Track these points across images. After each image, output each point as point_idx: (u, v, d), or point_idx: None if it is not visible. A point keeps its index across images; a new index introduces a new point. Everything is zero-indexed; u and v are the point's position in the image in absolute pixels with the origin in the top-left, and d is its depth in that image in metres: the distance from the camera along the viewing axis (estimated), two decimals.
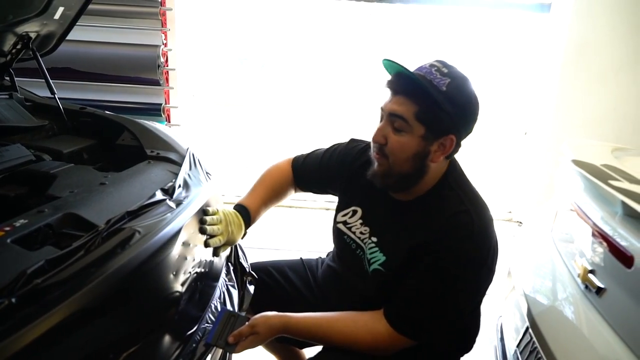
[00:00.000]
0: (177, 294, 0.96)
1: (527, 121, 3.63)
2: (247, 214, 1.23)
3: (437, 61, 1.03)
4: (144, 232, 0.91)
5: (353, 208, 1.24)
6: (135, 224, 0.93)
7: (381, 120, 1.06)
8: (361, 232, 1.20)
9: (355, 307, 1.14)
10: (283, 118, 3.72)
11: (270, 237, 2.94)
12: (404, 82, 1.00)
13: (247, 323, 1.10)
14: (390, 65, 1.02)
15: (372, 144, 1.08)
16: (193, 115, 3.61)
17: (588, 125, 3.28)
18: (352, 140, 1.32)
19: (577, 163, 1.32)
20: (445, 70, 1.00)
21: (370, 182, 1.12)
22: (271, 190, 1.33)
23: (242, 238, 1.21)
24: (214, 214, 1.15)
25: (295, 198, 3.44)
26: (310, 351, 1.43)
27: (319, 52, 3.53)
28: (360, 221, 1.21)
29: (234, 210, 1.21)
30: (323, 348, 1.17)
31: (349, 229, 1.23)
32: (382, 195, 1.16)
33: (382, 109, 1.05)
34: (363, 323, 1.08)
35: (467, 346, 1.26)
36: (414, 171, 1.04)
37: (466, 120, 1.03)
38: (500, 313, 1.62)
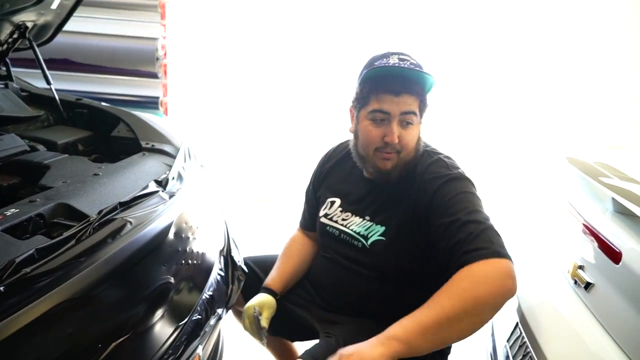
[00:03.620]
0: (168, 285, 0.97)
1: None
2: (274, 292, 1.32)
3: (400, 54, 1.12)
4: (135, 223, 0.92)
5: (330, 200, 1.32)
6: (127, 214, 0.94)
7: (380, 122, 1.10)
8: (342, 219, 1.26)
9: (352, 293, 1.20)
10: (280, 112, 3.72)
11: (264, 232, 2.95)
12: (404, 81, 1.08)
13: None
14: (387, 69, 1.08)
15: (373, 148, 1.13)
16: (191, 109, 3.60)
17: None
18: (321, 157, 1.44)
19: (571, 161, 1.32)
20: (415, 61, 1.11)
21: (343, 175, 1.29)
22: (293, 262, 1.39)
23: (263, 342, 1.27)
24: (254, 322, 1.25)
25: (288, 194, 3.45)
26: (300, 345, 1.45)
27: (317, 47, 3.51)
28: (340, 209, 1.28)
29: (266, 294, 1.30)
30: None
31: (330, 219, 1.29)
32: (358, 181, 1.26)
33: (384, 111, 1.09)
34: (461, 281, 0.91)
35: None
36: (416, 153, 1.16)
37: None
38: None
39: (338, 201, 1.30)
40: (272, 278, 1.35)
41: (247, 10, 3.48)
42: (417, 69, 1.09)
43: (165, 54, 3.23)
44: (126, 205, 0.97)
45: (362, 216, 1.22)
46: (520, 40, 3.43)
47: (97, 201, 1.02)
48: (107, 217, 0.90)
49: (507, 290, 0.88)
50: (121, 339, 0.79)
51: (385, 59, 1.11)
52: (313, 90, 3.58)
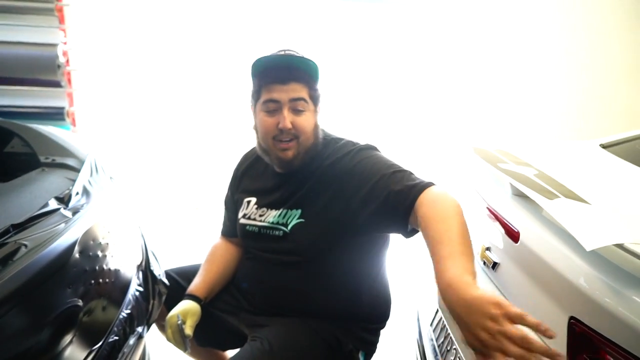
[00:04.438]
0: (75, 308, 0.90)
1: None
2: (197, 299, 1.29)
3: (288, 50, 1.19)
4: (31, 246, 0.84)
5: (246, 200, 1.33)
6: (22, 237, 0.86)
7: (273, 112, 1.16)
8: (260, 215, 1.28)
9: (273, 288, 1.23)
10: (196, 115, 3.61)
11: (189, 241, 2.85)
12: (290, 70, 1.15)
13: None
14: (272, 59, 1.17)
15: (270, 137, 1.18)
16: (102, 118, 3.38)
17: None
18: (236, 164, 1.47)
19: (476, 150, 1.41)
20: (303, 56, 1.19)
21: (256, 174, 1.34)
22: (216, 268, 1.36)
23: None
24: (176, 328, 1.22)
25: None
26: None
27: (230, 50, 3.46)
28: (255, 206, 1.30)
29: (189, 301, 1.27)
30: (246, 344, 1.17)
31: (248, 218, 1.30)
32: (270, 176, 1.30)
33: (274, 100, 1.15)
34: (432, 207, 0.98)
35: (381, 318, 1.32)
36: (315, 140, 1.21)
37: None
38: (418, 298, 1.70)
39: (254, 199, 1.31)
40: (196, 284, 1.31)
41: (153, 9, 3.34)
42: (300, 56, 1.17)
43: (67, 61, 3.01)
44: (20, 227, 0.89)
45: (278, 208, 1.24)
46: (445, 39, 3.61)
47: None
48: None
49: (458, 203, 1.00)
50: None
51: (274, 55, 1.19)
52: (230, 91, 3.51)
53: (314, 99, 1.20)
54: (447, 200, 0.98)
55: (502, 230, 1.10)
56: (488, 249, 1.19)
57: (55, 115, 3.01)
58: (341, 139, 1.26)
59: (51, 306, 0.85)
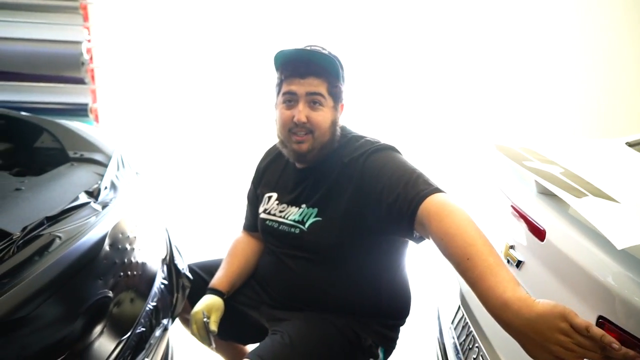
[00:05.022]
0: (106, 299, 0.92)
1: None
2: (220, 293, 1.30)
3: (312, 45, 1.19)
4: (65, 238, 0.86)
5: (268, 195, 1.35)
6: (56, 229, 0.88)
7: (291, 104, 1.17)
8: (280, 211, 1.29)
9: (292, 283, 1.23)
10: (219, 112, 3.64)
11: (210, 236, 2.88)
12: (310, 64, 1.15)
13: None
14: (291, 52, 1.16)
15: (287, 129, 1.18)
16: (124, 114, 3.44)
17: None
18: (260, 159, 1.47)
19: (499, 147, 1.40)
20: (326, 52, 1.18)
21: (278, 170, 1.33)
22: (238, 262, 1.37)
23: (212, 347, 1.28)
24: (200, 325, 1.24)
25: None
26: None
27: (253, 46, 3.48)
28: (277, 202, 1.31)
29: (212, 296, 1.29)
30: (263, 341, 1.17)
31: (269, 213, 1.31)
32: (292, 173, 1.30)
33: (292, 92, 1.16)
34: (449, 209, 0.97)
35: (402, 314, 1.32)
36: (332, 136, 1.21)
37: (345, 87, 1.25)
38: (439, 296, 1.69)
39: (275, 195, 1.32)
40: (218, 278, 1.33)
41: (176, 8, 3.37)
42: (321, 51, 1.16)
43: (91, 58, 3.06)
44: (54, 219, 0.92)
45: (299, 205, 1.25)
46: (461, 35, 3.57)
47: (21, 217, 0.95)
48: (33, 233, 0.85)
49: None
50: None
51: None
52: (251, 88, 3.53)
53: (334, 95, 1.19)
54: (455, 211, 0.95)
55: (527, 229, 1.09)
56: (512, 247, 1.18)
57: (79, 111, 3.06)
58: (361, 137, 1.24)
59: (84, 297, 0.87)
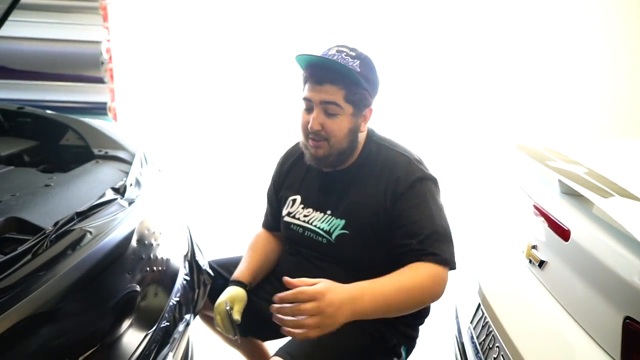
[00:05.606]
0: (134, 293, 0.94)
1: None
2: (243, 284, 1.30)
3: (339, 46, 1.15)
4: (95, 233, 0.88)
5: (292, 198, 1.33)
6: (86, 224, 0.90)
7: (309, 110, 1.16)
8: (304, 215, 1.28)
9: None
10: (234, 110, 3.66)
11: (228, 234, 2.91)
12: (327, 71, 1.12)
13: (304, 288, 0.95)
14: (307, 58, 1.14)
15: (305, 134, 1.18)
16: (141, 113, 3.49)
17: None
18: (280, 158, 1.45)
19: (519, 147, 1.39)
20: (353, 54, 1.14)
21: (301, 172, 1.30)
22: (254, 253, 1.39)
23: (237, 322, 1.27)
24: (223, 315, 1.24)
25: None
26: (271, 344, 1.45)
27: (271, 42, 3.49)
28: (302, 206, 1.30)
29: (235, 287, 1.29)
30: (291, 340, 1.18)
31: (293, 216, 1.31)
32: (316, 176, 1.28)
33: (308, 99, 1.15)
34: (417, 272, 1.06)
35: (422, 314, 1.32)
36: (350, 144, 1.19)
37: (377, 90, 1.21)
38: (455, 292, 1.69)
39: (299, 198, 1.31)
40: (241, 271, 1.33)
41: (193, 8, 3.41)
42: (340, 60, 1.12)
43: (110, 58, 3.10)
44: (84, 215, 0.94)
45: (324, 211, 1.24)
46: (479, 35, 3.56)
47: (52, 213, 0.97)
48: (64, 228, 0.87)
49: (437, 296, 1.08)
50: (89, 352, 0.77)
51: (323, 53, 1.17)
52: (268, 87, 3.55)
53: (353, 102, 1.15)
54: (426, 288, 1.05)
55: (551, 229, 1.08)
56: (534, 247, 1.18)
57: (98, 110, 3.11)
58: (393, 147, 1.23)
59: (114, 290, 0.89)
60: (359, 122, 1.18)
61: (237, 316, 1.23)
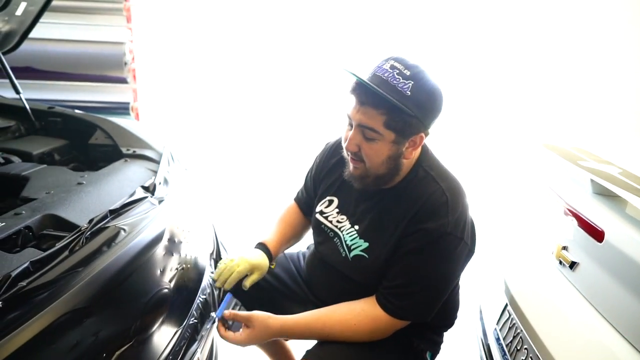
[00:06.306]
0: (166, 290, 0.95)
1: None
2: (266, 248, 1.29)
3: (395, 60, 1.00)
4: (129, 230, 0.90)
5: (329, 198, 1.28)
6: (119, 222, 0.92)
7: (350, 127, 1.06)
8: (337, 221, 1.23)
9: (344, 293, 1.17)
10: (257, 111, 3.68)
11: (250, 233, 2.92)
12: (369, 93, 0.99)
13: (245, 313, 1.11)
14: (351, 77, 1.02)
15: (345, 149, 1.10)
16: (163, 113, 3.53)
17: None
18: (326, 145, 1.36)
19: (547, 146, 1.37)
20: (408, 73, 0.99)
21: (342, 173, 1.21)
22: (286, 225, 1.38)
23: (272, 267, 1.28)
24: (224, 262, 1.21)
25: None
26: (295, 345, 1.45)
27: (297, 47, 3.50)
28: (337, 210, 1.25)
29: (263, 255, 1.26)
30: (318, 342, 1.18)
31: (326, 218, 1.27)
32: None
33: (349, 116, 1.05)
34: (360, 310, 1.10)
35: (449, 322, 1.30)
36: (389, 171, 1.08)
37: (433, 116, 1.04)
38: (479, 293, 1.67)
39: (336, 201, 1.26)
40: (272, 239, 1.31)
41: (215, 9, 3.44)
42: (390, 79, 0.98)
43: (133, 58, 3.15)
44: (116, 212, 0.95)
45: (352, 224, 1.20)
46: (501, 36, 3.52)
47: (85, 210, 0.99)
48: (99, 225, 0.88)
49: (373, 338, 1.11)
50: (124, 348, 0.78)
51: (378, 64, 1.03)
52: (291, 85, 3.56)
53: (396, 129, 1.01)
54: (373, 332, 1.10)
55: (583, 230, 1.06)
56: (564, 247, 1.16)
57: (121, 109, 3.17)
58: (439, 180, 1.10)
59: (147, 287, 0.90)
60: (402, 150, 1.05)
61: (247, 283, 1.18)
